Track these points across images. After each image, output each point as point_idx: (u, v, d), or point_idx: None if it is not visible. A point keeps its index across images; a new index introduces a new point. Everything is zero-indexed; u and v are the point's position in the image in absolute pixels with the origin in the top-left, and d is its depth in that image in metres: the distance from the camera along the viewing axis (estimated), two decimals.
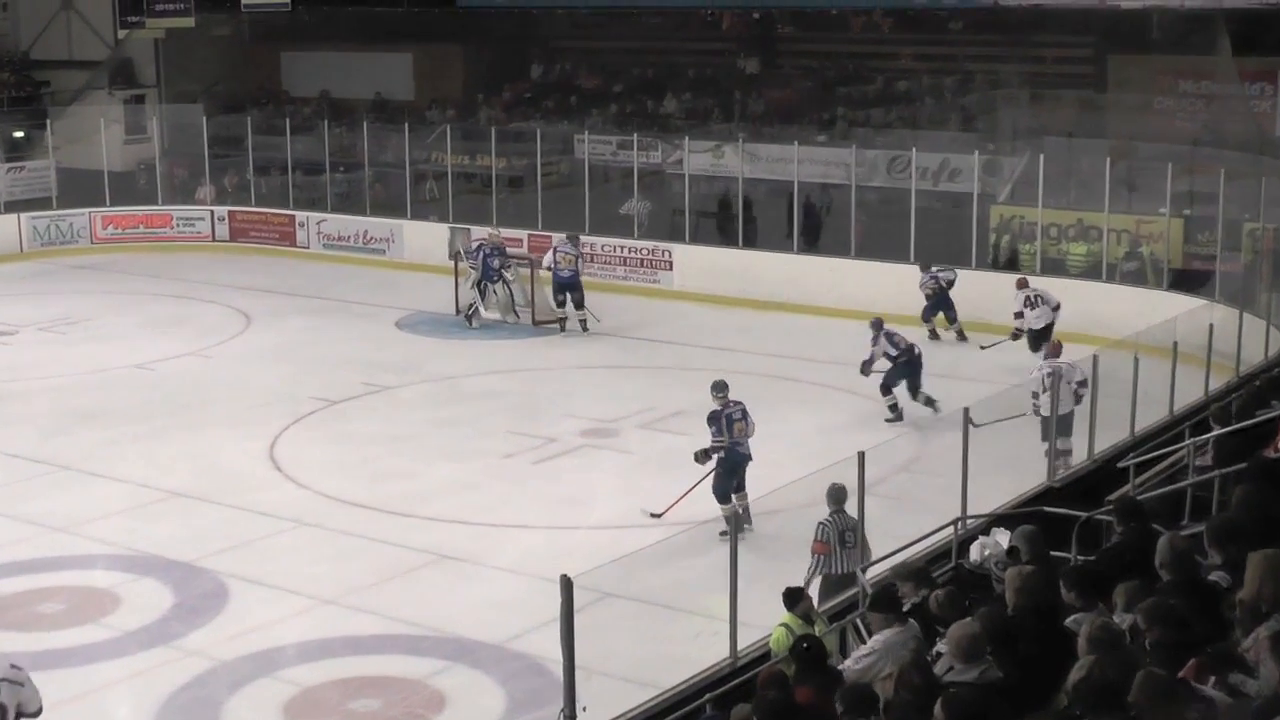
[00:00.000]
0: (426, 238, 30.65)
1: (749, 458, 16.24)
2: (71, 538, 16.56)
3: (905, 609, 9.78)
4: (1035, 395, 17.16)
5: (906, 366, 20.40)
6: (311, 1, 40.26)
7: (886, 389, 20.37)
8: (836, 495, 13.20)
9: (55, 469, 18.92)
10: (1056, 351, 18.25)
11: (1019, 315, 22.85)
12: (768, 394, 20.37)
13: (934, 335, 24.53)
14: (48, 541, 16.48)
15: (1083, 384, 16.74)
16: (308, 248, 33.00)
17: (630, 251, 29.23)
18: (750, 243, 28.69)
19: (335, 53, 41.75)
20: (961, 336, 24.66)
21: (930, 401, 20.20)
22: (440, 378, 23.13)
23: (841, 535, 13.13)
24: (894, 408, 20.27)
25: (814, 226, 29.10)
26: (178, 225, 34.59)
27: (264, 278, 30.46)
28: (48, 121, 36.62)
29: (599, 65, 40.31)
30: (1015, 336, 23.01)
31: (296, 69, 43.13)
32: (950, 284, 24.67)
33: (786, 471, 15.23)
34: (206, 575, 15.38)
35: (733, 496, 16.03)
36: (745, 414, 16.34)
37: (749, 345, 24.52)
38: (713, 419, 16.18)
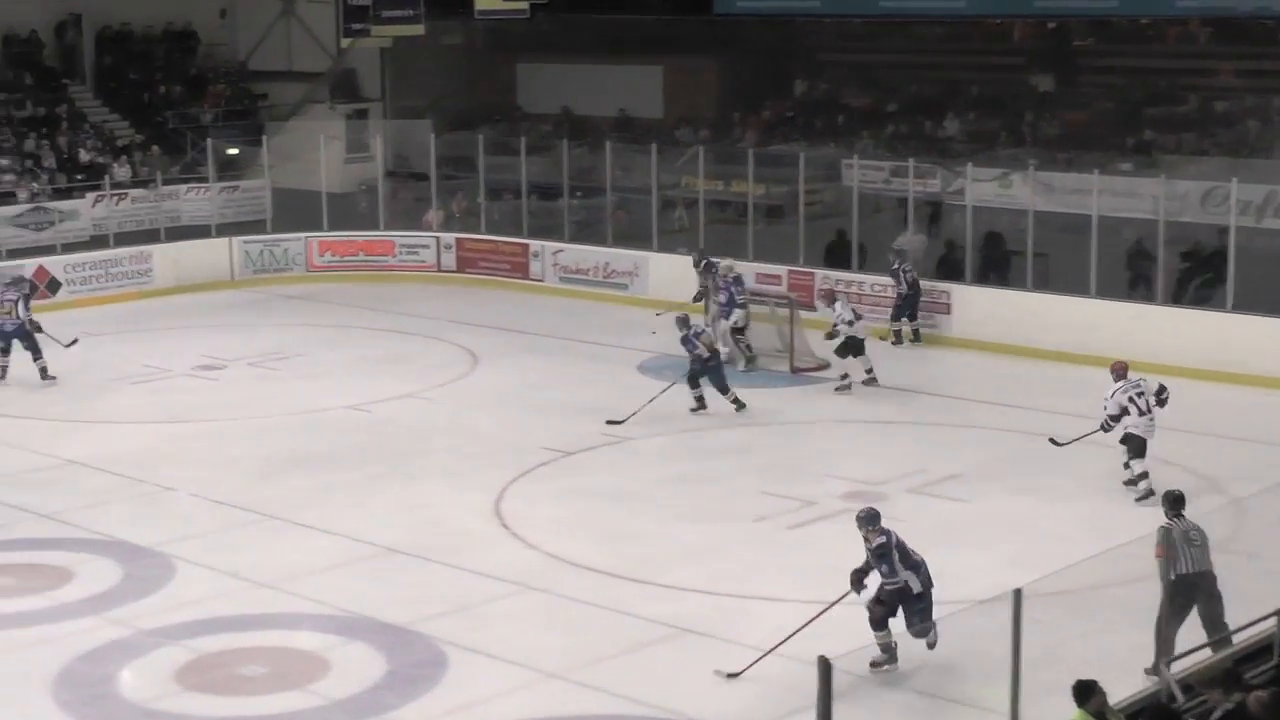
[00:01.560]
0: (674, 272, 30.77)
1: (914, 592, 14.73)
2: (277, 594, 16.97)
3: (1217, 718, 9.51)
4: (1118, 418, 19.78)
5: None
6: (552, 8, 40.75)
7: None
8: (1173, 501, 14.39)
9: (261, 518, 19.46)
10: (1124, 370, 20.22)
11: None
12: (1051, 455, 20.07)
13: None
14: (251, 597, 16.92)
15: (1160, 393, 19.87)
16: (542, 280, 33.44)
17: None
18: (1041, 285, 28.28)
19: (576, 65, 42.18)
20: None
21: None
22: (686, 430, 23.20)
23: (1186, 535, 13.99)
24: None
25: (1143, 273, 28.41)
26: (400, 253, 35.35)
27: (493, 313, 30.94)
28: (264, 138, 37.79)
29: (870, 81, 40.17)
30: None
31: (533, 82, 43.73)
32: None
33: (1074, 547, 14.96)
34: (422, 641, 15.61)
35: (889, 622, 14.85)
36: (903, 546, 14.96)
37: (1033, 401, 24.12)
38: (882, 554, 14.74)
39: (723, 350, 25.69)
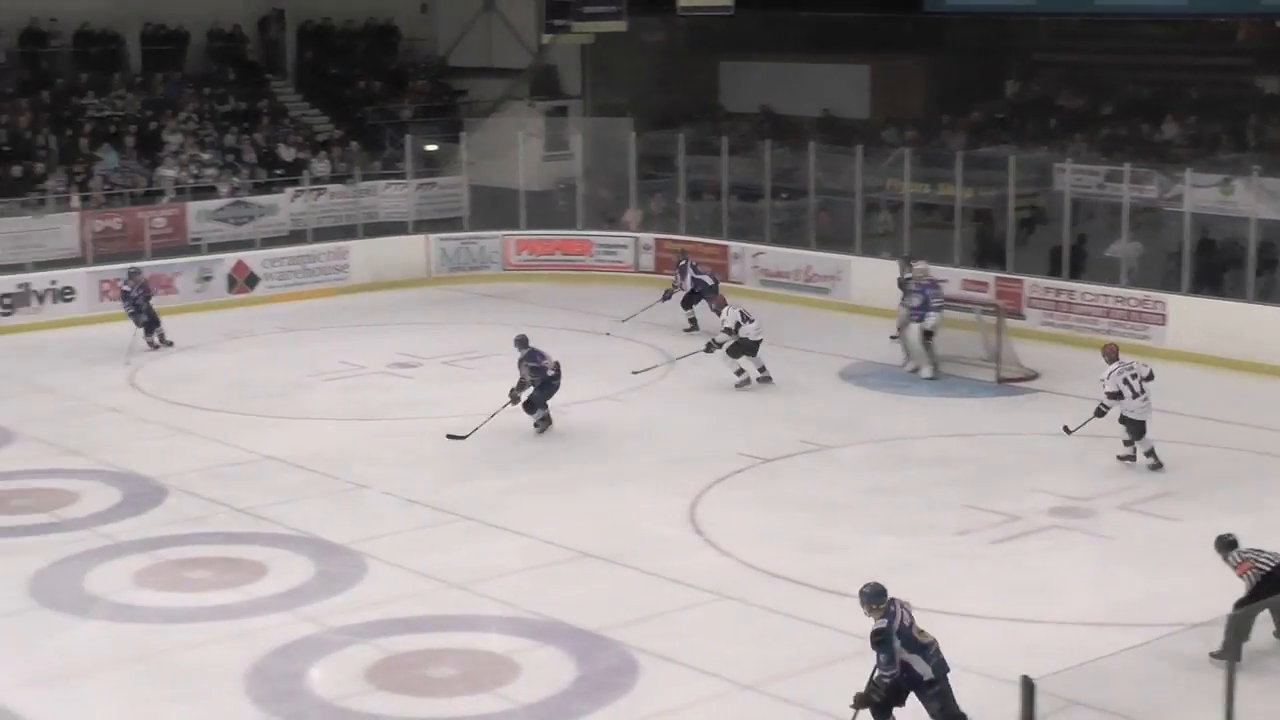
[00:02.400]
0: (878, 276, 30.64)
1: (924, 679, 13.20)
2: (468, 595, 17.18)
3: None
4: (1117, 397, 21.08)
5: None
6: (756, 4, 40.71)
7: None
8: (1228, 544, 15.27)
9: (454, 518, 19.71)
10: (1115, 353, 21.58)
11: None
12: (1273, 474, 19.69)
13: None
14: (442, 598, 17.15)
15: (1149, 378, 21.21)
16: (742, 283, 33.44)
17: (1116, 301, 28.60)
18: (1266, 297, 27.74)
19: (780, 63, 42.20)
20: None
21: None
22: (887, 438, 23.09)
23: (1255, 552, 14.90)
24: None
25: None
26: (598, 253, 35.61)
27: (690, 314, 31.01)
28: (462, 134, 38.25)
29: (1085, 82, 39.64)
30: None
31: (735, 81, 43.80)
32: None
33: None
34: (614, 647, 15.71)
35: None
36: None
37: (1253, 417, 23.64)
38: (880, 641, 13.04)
39: (907, 356, 25.82)
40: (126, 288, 29.57)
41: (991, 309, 27.24)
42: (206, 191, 36.08)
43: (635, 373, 26.70)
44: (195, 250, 34.07)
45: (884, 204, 34.24)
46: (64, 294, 32.05)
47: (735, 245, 34.11)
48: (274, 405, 25.42)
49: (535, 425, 23.32)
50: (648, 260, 35.33)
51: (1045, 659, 12.10)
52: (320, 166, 37.97)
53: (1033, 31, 41.58)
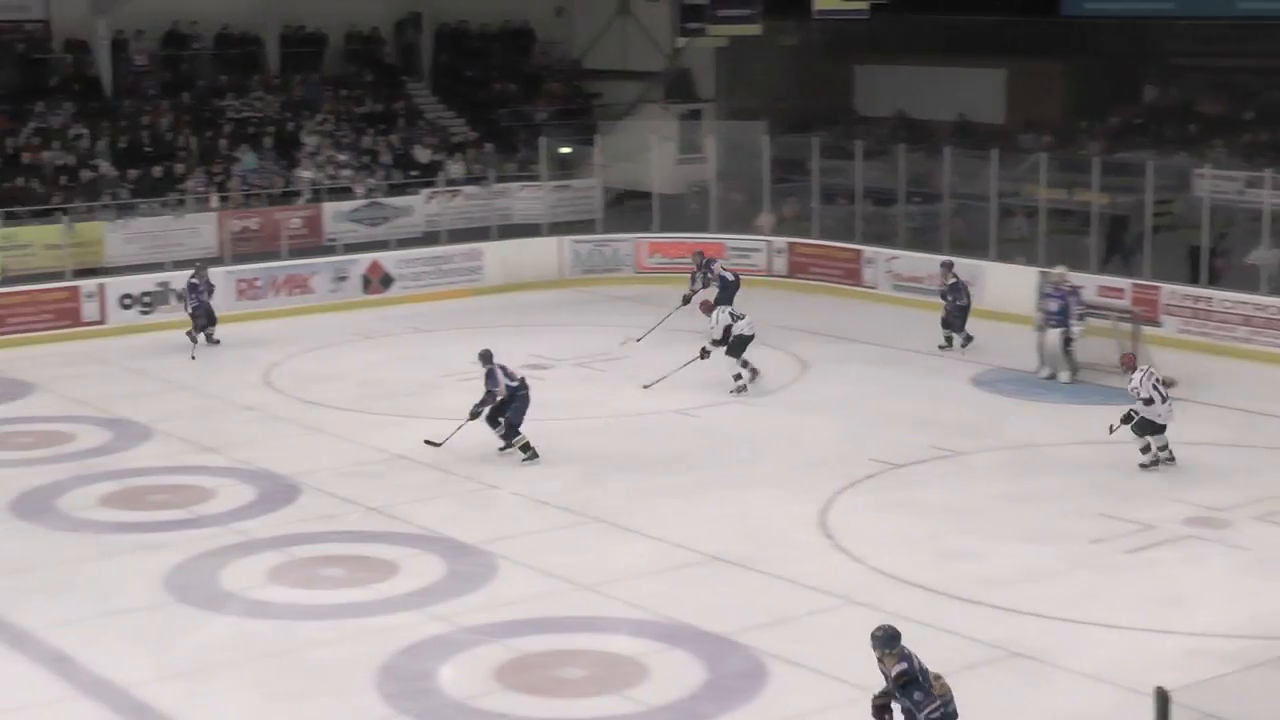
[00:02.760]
0: (1012, 282, 30.39)
1: None
2: (597, 597, 17.21)
3: None
4: (1150, 402, 21.17)
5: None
6: (892, 8, 40.47)
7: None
8: None
9: (585, 520, 19.75)
10: (1134, 361, 22.20)
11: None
12: None
13: None
14: (572, 599, 17.19)
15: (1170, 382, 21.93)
16: (875, 288, 33.30)
17: (1256, 309, 28.17)
18: None
19: (915, 67, 41.96)
20: None
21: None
22: (1021, 445, 22.88)
23: None
24: None
25: None
26: (730, 257, 35.48)
27: (824, 319, 30.96)
28: (596, 137, 38.35)
29: (1226, 87, 39.03)
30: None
31: (870, 85, 43.60)
32: None
33: None
34: (743, 652, 15.66)
35: None
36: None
37: None
38: (908, 683, 12.38)
39: (1041, 362, 25.65)
40: (195, 280, 29.98)
41: (1128, 316, 26.91)
42: (342, 192, 36.44)
43: (646, 386, 26.34)
44: (331, 251, 34.42)
45: (1019, 209, 33.93)
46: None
47: (869, 250, 33.96)
48: (406, 405, 25.59)
49: (501, 448, 22.54)
50: (780, 264, 35.25)
51: (1180, 671, 11.92)
52: (455, 168, 38.23)
53: (1172, 36, 40.93)
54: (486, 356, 22.52)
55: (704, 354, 26.03)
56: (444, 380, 27.11)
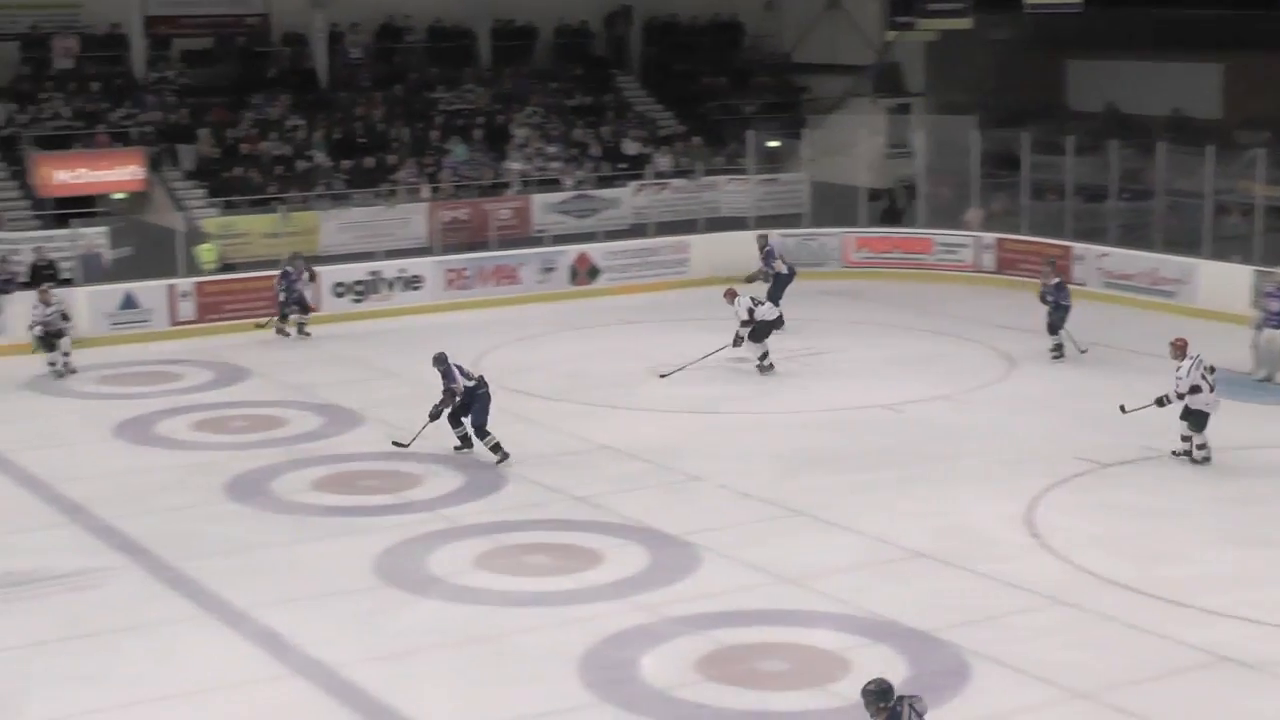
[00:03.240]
0: (1226, 281, 29.81)
1: None
2: (799, 590, 17.19)
3: None
4: (1197, 390, 21.13)
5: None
6: (1105, 2, 39.84)
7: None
8: None
9: (788, 513, 19.73)
10: (1185, 347, 21.71)
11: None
12: None
13: None
14: (774, 592, 17.19)
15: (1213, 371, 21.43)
16: (1084, 285, 32.80)
17: None
18: None
19: (1128, 61, 41.24)
20: None
21: None
22: (1231, 446, 22.40)
23: None
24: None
25: None
26: (938, 252, 35.31)
27: (1031, 316, 30.49)
28: (804, 131, 38.27)
29: None
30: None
31: (1082, 79, 42.97)
32: None
33: None
34: (946, 649, 15.56)
35: None
36: None
37: None
38: None
39: (1256, 364, 25.16)
40: (290, 269, 30.38)
41: None
42: (551, 184, 36.77)
43: (664, 375, 26.70)
44: (539, 242, 34.75)
45: (1235, 206, 33.23)
46: (412, 282, 32.96)
47: (1078, 246, 33.50)
48: (611, 396, 25.76)
49: (457, 447, 22.52)
50: (989, 260, 34.91)
51: None
52: (663, 161, 38.38)
53: None
54: (441, 359, 22.41)
55: (737, 341, 26.66)
56: (649, 372, 27.23)
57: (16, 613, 16.90)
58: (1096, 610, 16.52)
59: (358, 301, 32.48)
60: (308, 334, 30.48)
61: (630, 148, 39.05)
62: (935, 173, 37.63)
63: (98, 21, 38.18)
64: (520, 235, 34.93)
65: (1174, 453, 21.54)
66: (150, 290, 31.09)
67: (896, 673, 14.97)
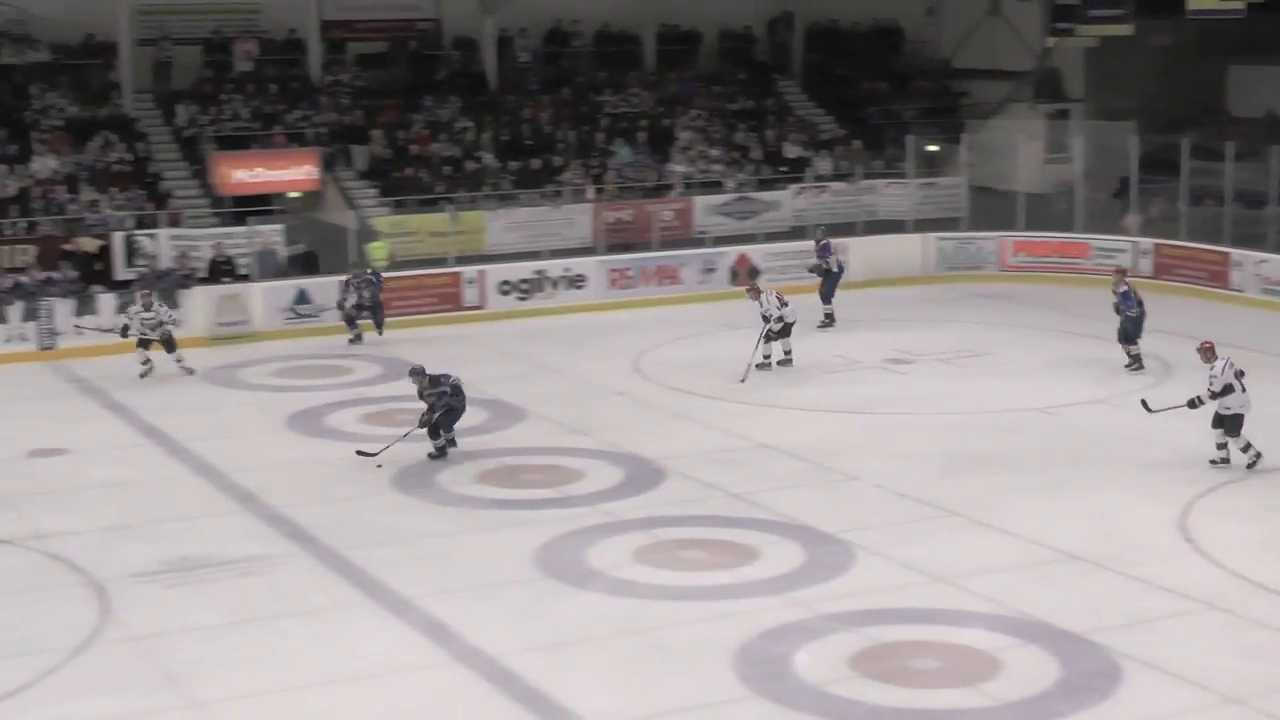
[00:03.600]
0: None
1: None
2: (952, 590, 17.03)
3: None
4: (1230, 390, 20.72)
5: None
6: (1268, 7, 39.03)
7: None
8: None
9: (942, 513, 19.56)
10: (1214, 350, 21.27)
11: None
12: None
13: None
14: (927, 591, 17.04)
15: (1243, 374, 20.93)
16: (1242, 291, 32.27)
17: None
18: None
19: None
20: None
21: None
22: None
23: None
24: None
25: None
26: (1095, 256, 34.85)
27: (1188, 321, 30.02)
28: (963, 135, 37.96)
29: None
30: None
31: (1243, 85, 42.22)
32: None
33: None
34: (1097, 651, 15.33)
35: None
36: None
37: None
38: None
39: None
40: (353, 279, 30.17)
41: None
42: (713, 186, 36.78)
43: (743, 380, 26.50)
44: (700, 243, 34.76)
45: None
46: (576, 281, 33.10)
47: (1236, 253, 32.90)
48: (769, 395, 25.70)
49: (432, 454, 22.20)
50: (1146, 265, 34.36)
51: None
52: (823, 164, 38.28)
53: None
54: (419, 372, 22.19)
55: (769, 338, 27.00)
56: (807, 372, 27.16)
57: (190, 596, 17.20)
58: (1251, 615, 16.21)
59: (523, 299, 32.68)
60: (357, 339, 30.22)
61: (791, 151, 38.97)
62: (1094, 178, 37.15)
63: (276, 26, 38.80)
64: (682, 236, 34.99)
65: (1212, 461, 21.06)
66: (323, 286, 31.50)
67: (1047, 674, 14.84)
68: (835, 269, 31.28)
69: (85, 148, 34.52)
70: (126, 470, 21.97)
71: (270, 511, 20.02)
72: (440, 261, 33.01)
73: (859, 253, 35.15)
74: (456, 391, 22.18)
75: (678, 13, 41.85)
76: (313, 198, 35.03)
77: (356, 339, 30.17)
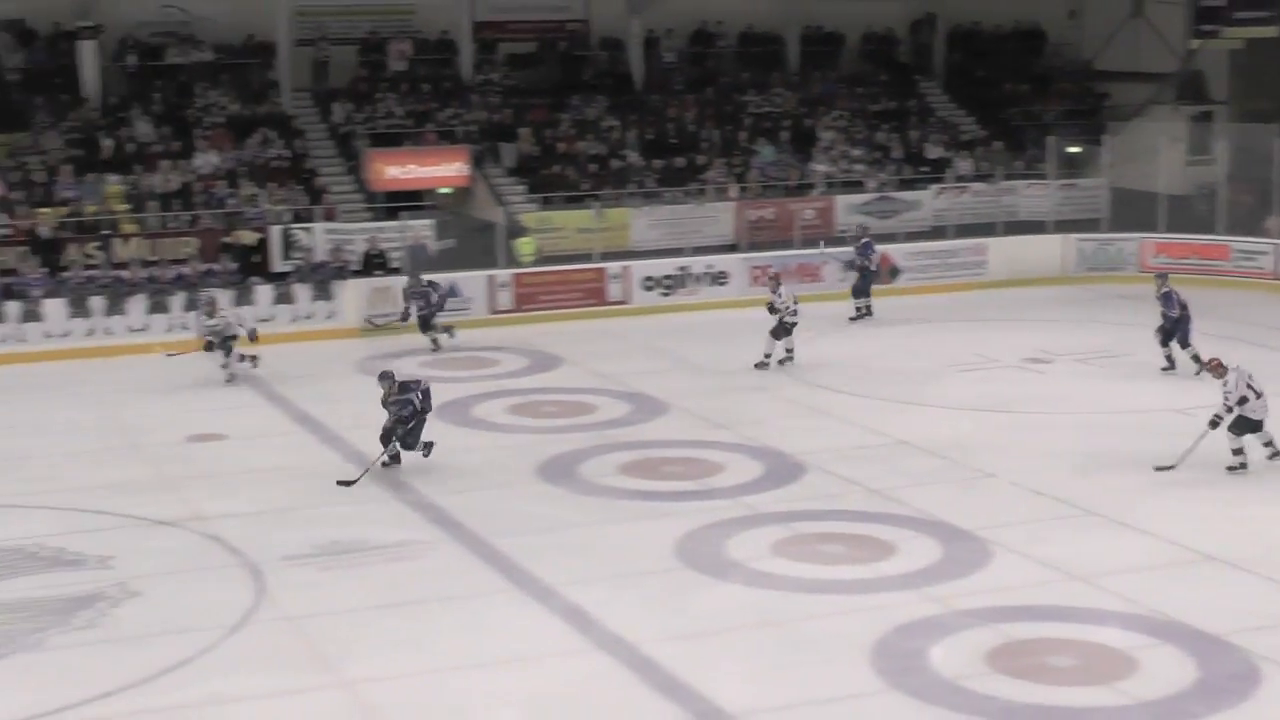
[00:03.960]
0: None
1: None
2: (1089, 588, 16.80)
3: None
4: (1244, 401, 20.47)
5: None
6: None
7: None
8: None
9: (1079, 512, 19.32)
10: (1221, 365, 21.06)
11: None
12: None
13: None
14: (1064, 589, 16.82)
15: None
16: None
17: None
18: None
19: None
20: None
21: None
22: None
23: None
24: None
25: None
26: (1236, 259, 34.33)
27: None
28: (1104, 137, 37.50)
29: None
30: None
31: None
32: None
33: None
34: (1235, 653, 15.06)
35: None
36: None
37: None
38: None
39: None
40: (417, 289, 29.74)
41: None
42: (854, 186, 36.62)
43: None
44: (841, 241, 34.62)
45: None
46: (718, 278, 33.11)
47: None
48: (908, 392, 25.54)
49: (385, 461, 21.29)
50: None
51: None
52: (963, 165, 37.98)
53: None
54: (387, 376, 21.39)
55: (785, 331, 27.13)
56: (945, 370, 26.99)
57: (340, 580, 17.39)
58: None
59: (666, 295, 32.74)
60: (437, 348, 29.56)
61: (932, 152, 38.71)
62: (1236, 180, 36.55)
63: (429, 27, 39.14)
64: (823, 235, 34.85)
65: (1230, 468, 20.65)
66: (471, 280, 31.76)
67: (1184, 674, 14.62)
68: (873, 267, 31.47)
69: (245, 144, 35.04)
70: (281, 456, 22.28)
71: (418, 499, 20.20)
72: (585, 257, 33.18)
73: (998, 253, 34.92)
74: (426, 396, 21.29)
75: (821, 14, 41.73)
76: (462, 194, 35.31)
77: (438, 345, 29.60)
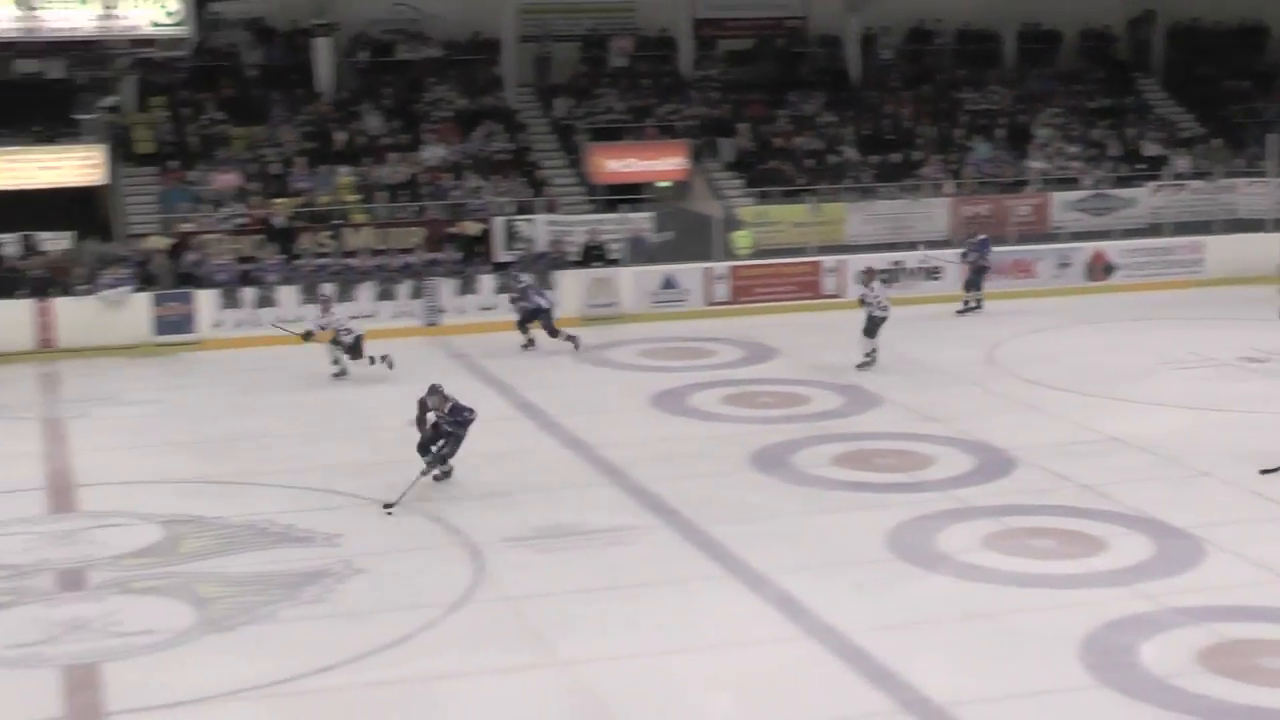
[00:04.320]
0: None
1: None
2: None
3: None
4: None
5: None
6: None
7: None
8: None
9: None
10: None
11: None
12: None
13: None
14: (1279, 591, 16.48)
15: None
16: None
17: None
18: None
19: None
20: None
21: None
22: None
23: None
24: None
25: None
26: None
27: None
28: None
29: None
30: None
31: None
32: None
33: None
34: None
35: None
36: None
37: None
38: None
39: None
40: (520, 284, 29.11)
41: None
42: (1069, 183, 36.09)
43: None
44: (1055, 238, 34.17)
45: None
46: (933, 273, 32.87)
47: None
48: (1121, 389, 25.13)
49: (436, 476, 20.22)
50: None
51: None
52: (1181, 163, 37.21)
53: None
54: (439, 391, 20.26)
55: (875, 326, 26.90)
56: (1159, 367, 26.51)
57: (557, 561, 17.58)
58: None
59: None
60: (530, 343, 29.02)
61: (1149, 149, 37.99)
62: None
63: (650, 24, 39.36)
64: (1038, 231, 34.46)
65: None
66: (688, 272, 31.90)
67: None
68: (987, 264, 31.55)
69: (470, 137, 35.54)
70: (502, 441, 22.53)
71: (635, 485, 20.34)
72: (800, 251, 33.15)
73: (1216, 251, 34.19)
74: (467, 424, 20.25)
75: (1039, 12, 41.18)
76: (681, 188, 35.45)
77: (529, 343, 29.02)
